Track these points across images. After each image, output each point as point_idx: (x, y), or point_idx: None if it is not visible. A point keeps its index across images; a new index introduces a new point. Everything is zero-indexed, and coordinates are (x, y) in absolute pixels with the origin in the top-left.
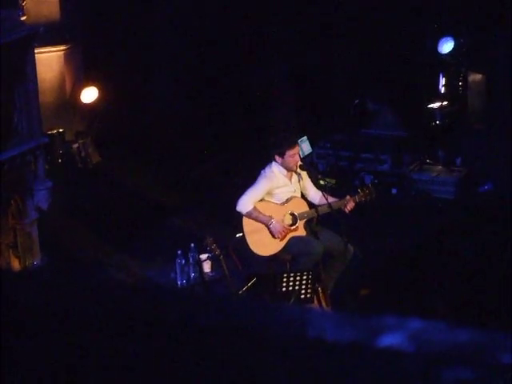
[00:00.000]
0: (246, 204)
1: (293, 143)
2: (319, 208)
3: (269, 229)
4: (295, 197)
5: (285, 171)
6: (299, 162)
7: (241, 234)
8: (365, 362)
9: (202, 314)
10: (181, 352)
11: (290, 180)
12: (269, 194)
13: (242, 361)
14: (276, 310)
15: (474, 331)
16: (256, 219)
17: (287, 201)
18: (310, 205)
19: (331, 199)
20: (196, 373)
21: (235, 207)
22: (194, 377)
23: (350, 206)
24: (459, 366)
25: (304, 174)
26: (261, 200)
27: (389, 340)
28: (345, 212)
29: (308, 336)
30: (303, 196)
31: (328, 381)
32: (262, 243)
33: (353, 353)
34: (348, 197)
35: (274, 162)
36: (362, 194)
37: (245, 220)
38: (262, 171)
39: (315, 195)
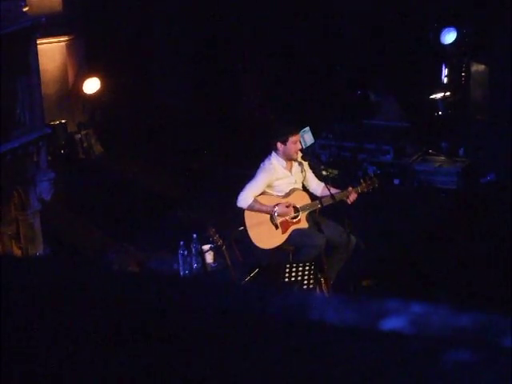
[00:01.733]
0: (246, 199)
1: (295, 129)
2: (323, 200)
3: (275, 216)
4: (297, 189)
5: (284, 162)
6: (300, 153)
7: (242, 228)
8: (367, 344)
9: (203, 299)
10: (182, 338)
11: (290, 171)
12: (269, 186)
13: (243, 345)
14: (277, 295)
15: (475, 314)
16: (259, 211)
17: (289, 193)
18: (312, 196)
19: (334, 190)
20: (198, 357)
21: (236, 203)
22: (195, 362)
23: (353, 197)
24: (460, 349)
25: (306, 164)
26: (262, 193)
27: (391, 323)
28: (347, 203)
29: (309, 319)
30: (304, 187)
31: (329, 363)
32: (265, 236)
33: (355, 336)
34: (350, 188)
35: (273, 154)
36: (364, 184)
37: (246, 214)
38: (261, 164)
39: (317, 187)
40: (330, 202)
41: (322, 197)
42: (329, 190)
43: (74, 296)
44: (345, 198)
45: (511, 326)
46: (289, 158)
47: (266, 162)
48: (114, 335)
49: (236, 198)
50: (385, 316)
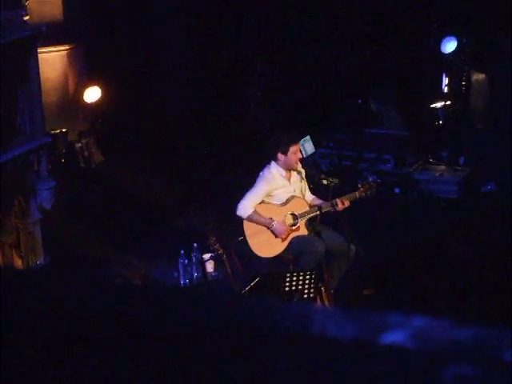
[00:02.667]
0: (245, 208)
1: (296, 139)
2: (322, 206)
3: (271, 231)
4: (295, 197)
5: (283, 172)
6: (299, 163)
7: (242, 238)
8: (367, 358)
9: (204, 311)
10: (184, 350)
11: (289, 180)
12: (268, 195)
13: (244, 358)
14: (278, 308)
15: (476, 328)
16: (257, 222)
17: (287, 201)
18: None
19: (318, 201)
20: (198, 371)
21: (235, 212)
22: (196, 374)
23: (341, 206)
24: (461, 363)
25: (303, 171)
26: (260, 202)
27: (391, 337)
28: (339, 211)
29: (310, 333)
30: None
31: (330, 377)
32: (264, 245)
33: (355, 350)
34: (337, 200)
35: (272, 163)
36: (362, 189)
37: (245, 223)
38: (261, 173)
39: (308, 198)
40: (329, 208)
41: (321, 204)
42: (328, 199)
43: (75, 309)
44: (333, 208)
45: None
46: (289, 168)
47: (266, 171)
48: (114, 346)
49: (235, 207)
50: (385, 330)
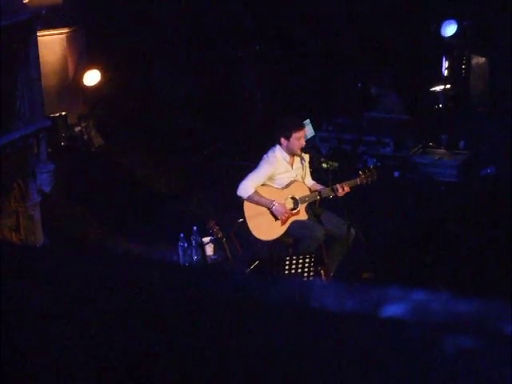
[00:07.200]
0: (247, 188)
1: (299, 125)
2: (322, 191)
3: (271, 211)
4: (296, 181)
5: (288, 156)
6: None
7: (242, 220)
8: (367, 331)
9: (204, 286)
10: (182, 325)
11: (292, 165)
12: (270, 178)
13: (242, 332)
14: (277, 282)
15: (475, 302)
16: (257, 203)
17: (288, 185)
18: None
19: (319, 187)
20: (198, 344)
21: (236, 191)
22: (197, 348)
23: (341, 192)
24: (461, 336)
25: (307, 159)
26: (262, 184)
27: (391, 310)
28: (339, 196)
29: (310, 307)
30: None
31: (330, 350)
32: (264, 228)
33: (355, 323)
34: (337, 185)
35: (277, 147)
36: (363, 176)
37: (246, 205)
38: (265, 156)
39: (309, 182)
40: (330, 193)
41: (321, 189)
42: (328, 185)
43: (79, 283)
44: (333, 193)
45: (511, 313)
46: (292, 153)
47: (270, 154)
48: (118, 321)
49: (237, 187)
50: (385, 303)
